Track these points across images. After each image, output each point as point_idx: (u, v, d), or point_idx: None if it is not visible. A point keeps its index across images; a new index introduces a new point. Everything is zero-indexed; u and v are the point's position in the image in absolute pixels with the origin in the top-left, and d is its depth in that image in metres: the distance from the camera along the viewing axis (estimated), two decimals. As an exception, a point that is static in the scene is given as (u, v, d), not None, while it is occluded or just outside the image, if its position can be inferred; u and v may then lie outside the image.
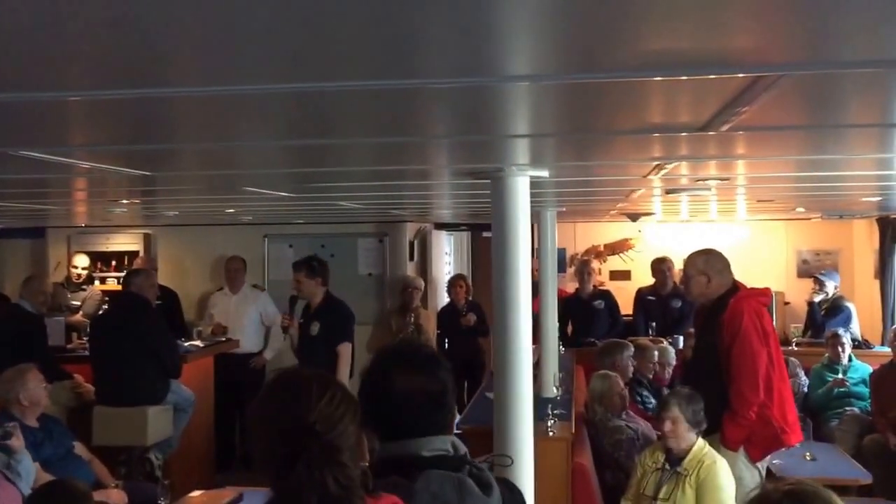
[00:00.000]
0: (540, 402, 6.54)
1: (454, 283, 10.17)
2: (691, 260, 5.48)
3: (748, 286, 5.67)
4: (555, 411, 6.08)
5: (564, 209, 7.74)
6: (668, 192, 5.56)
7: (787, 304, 11.01)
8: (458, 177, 4.30)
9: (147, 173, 3.99)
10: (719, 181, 4.86)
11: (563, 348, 8.75)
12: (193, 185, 5.02)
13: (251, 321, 9.25)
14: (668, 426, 5.00)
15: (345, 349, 6.84)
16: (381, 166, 3.98)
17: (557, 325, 8.50)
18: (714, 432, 5.13)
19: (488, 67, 1.88)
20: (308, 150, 3.48)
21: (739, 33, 1.62)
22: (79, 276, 10.01)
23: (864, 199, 7.28)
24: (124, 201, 6.05)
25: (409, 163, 3.85)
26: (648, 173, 4.13)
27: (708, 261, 5.42)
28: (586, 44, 1.70)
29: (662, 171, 3.89)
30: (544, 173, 3.79)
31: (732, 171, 4.67)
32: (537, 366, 7.32)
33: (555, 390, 6.90)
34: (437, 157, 3.72)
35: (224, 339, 8.93)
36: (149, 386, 6.94)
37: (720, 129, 2.54)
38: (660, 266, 9.85)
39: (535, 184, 4.02)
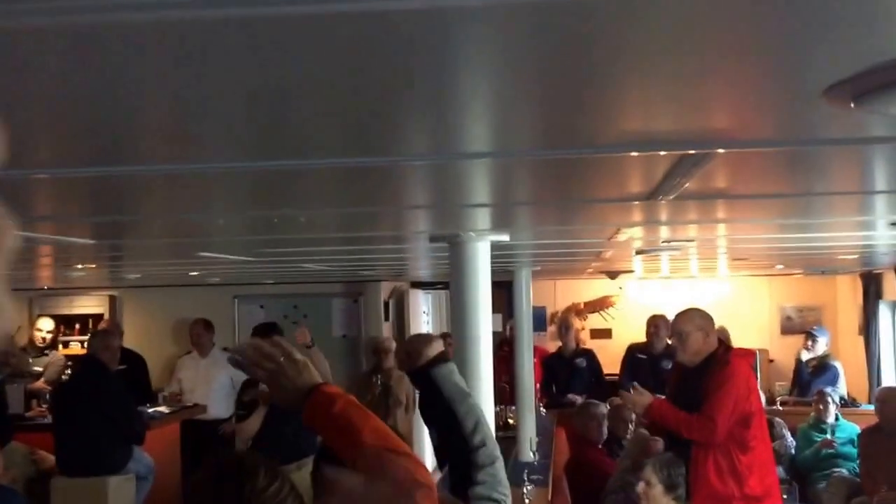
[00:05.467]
0: (517, 468, 6.56)
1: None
2: (687, 316, 5.46)
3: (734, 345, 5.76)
4: (532, 477, 6.08)
5: (539, 268, 7.81)
6: (637, 252, 5.64)
7: (771, 361, 11.05)
8: (415, 242, 4.36)
9: (98, 242, 4.04)
10: (686, 242, 4.94)
11: (543, 410, 8.76)
12: (151, 252, 5.07)
13: (221, 386, 9.16)
14: (640, 487, 5.05)
15: None
16: (337, 233, 4.05)
17: (537, 385, 8.54)
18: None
19: (452, 147, 1.96)
20: (264, 219, 3.54)
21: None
22: (43, 339, 9.96)
23: (842, 256, 7.38)
24: (79, 266, 6.09)
25: (364, 230, 3.92)
26: (612, 236, 4.21)
27: (704, 316, 5.47)
28: (545, 125, 1.78)
29: (625, 235, 3.96)
30: (505, 237, 3.84)
31: (702, 233, 4.75)
32: (514, 429, 7.36)
33: (531, 455, 6.89)
34: (393, 224, 3.78)
35: (191, 404, 8.89)
36: (108, 454, 6.84)
37: (668, 198, 2.62)
38: (651, 324, 9.79)
39: (506, 244, 4.07)
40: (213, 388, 9.09)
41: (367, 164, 2.11)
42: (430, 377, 2.58)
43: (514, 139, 1.99)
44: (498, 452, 2.61)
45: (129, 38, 1.03)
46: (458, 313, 3.80)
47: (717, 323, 9.62)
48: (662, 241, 4.86)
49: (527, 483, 5.90)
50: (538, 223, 4.02)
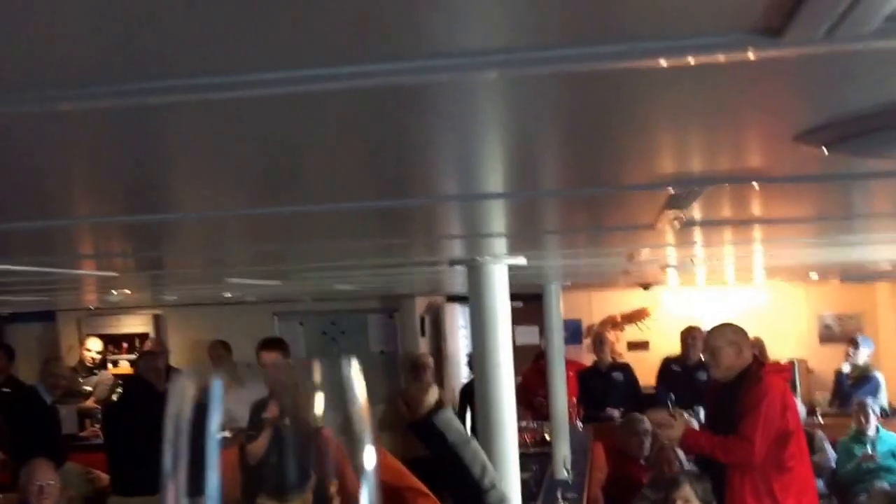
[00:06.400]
0: (551, 486, 6.55)
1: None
2: (719, 332, 5.41)
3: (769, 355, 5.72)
4: (566, 495, 6.08)
5: (570, 283, 7.81)
6: (662, 267, 5.65)
7: (810, 371, 10.92)
8: (437, 266, 4.43)
9: (124, 274, 4.17)
10: (706, 259, 4.95)
11: (580, 425, 8.74)
12: (187, 279, 5.21)
13: (254, 402, 9.21)
14: None
15: None
16: (363, 260, 4.11)
17: (573, 399, 8.54)
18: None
19: (476, 189, 2.05)
20: (292, 252, 3.62)
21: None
22: (93, 360, 10.18)
23: (881, 268, 7.32)
24: (114, 292, 6.27)
25: (388, 257, 3.98)
26: (631, 257, 4.24)
27: (737, 331, 5.40)
28: (569, 171, 1.89)
29: (641, 255, 4.00)
30: (522, 261, 3.88)
31: (726, 250, 4.76)
32: (549, 445, 7.35)
33: (565, 473, 6.86)
34: (415, 252, 3.84)
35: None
36: (159, 473, 6.93)
37: (672, 226, 2.66)
38: (686, 335, 9.79)
39: (532, 261, 4.10)
40: (245, 407, 9.13)
41: (398, 206, 2.19)
42: (434, 425, 2.60)
43: (539, 181, 2.07)
44: (506, 492, 2.63)
45: (179, 110, 1.11)
46: (477, 336, 3.83)
47: (754, 333, 9.59)
48: (684, 258, 4.87)
49: (560, 501, 5.90)
50: (556, 247, 4.05)
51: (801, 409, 8.50)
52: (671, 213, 2.44)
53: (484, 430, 3.82)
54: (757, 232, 3.48)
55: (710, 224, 2.94)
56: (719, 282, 10.45)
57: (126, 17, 0.75)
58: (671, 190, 2.06)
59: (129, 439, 6.95)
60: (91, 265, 3.91)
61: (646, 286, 9.61)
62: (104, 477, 7.35)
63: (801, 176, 1.89)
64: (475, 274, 3.79)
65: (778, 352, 9.94)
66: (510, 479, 3.83)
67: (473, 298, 3.83)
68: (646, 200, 2.35)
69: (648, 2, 0.79)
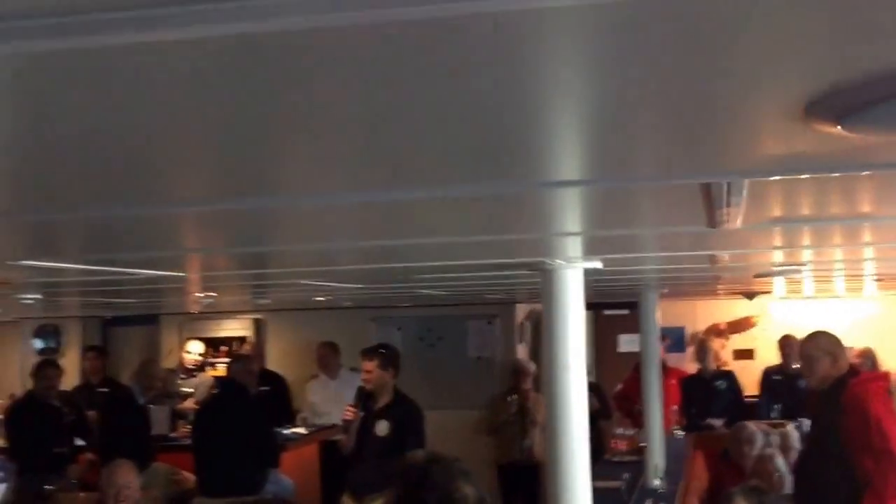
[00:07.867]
0: (642, 494, 6.51)
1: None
2: (814, 340, 5.45)
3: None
4: (658, 504, 6.03)
5: (667, 290, 7.71)
6: (756, 276, 5.56)
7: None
8: (504, 269, 4.42)
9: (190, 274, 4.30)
10: (800, 266, 4.85)
11: (681, 433, 8.65)
12: (282, 278, 5.31)
13: (355, 405, 9.35)
14: None
15: None
16: (437, 262, 4.16)
17: (674, 408, 8.45)
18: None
19: (547, 176, 1.98)
20: (374, 249, 3.67)
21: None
22: (194, 362, 10.48)
23: None
24: (212, 294, 6.45)
25: (449, 258, 4.00)
26: (715, 262, 4.19)
27: (832, 340, 5.42)
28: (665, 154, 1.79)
29: (723, 260, 3.94)
30: (597, 265, 3.86)
31: (820, 257, 4.66)
32: (641, 453, 7.29)
33: (657, 482, 6.80)
34: (478, 255, 3.86)
35: (329, 425, 9.13)
36: (246, 475, 7.09)
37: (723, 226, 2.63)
38: (783, 344, 9.68)
39: (623, 267, 4.05)
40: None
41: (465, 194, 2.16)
42: None
43: (630, 168, 1.95)
44: None
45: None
46: (549, 342, 3.84)
47: (865, 343, 9.34)
48: (776, 266, 4.78)
49: (651, 510, 5.86)
50: (635, 250, 4.02)
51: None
52: (732, 210, 2.41)
53: (553, 433, 3.84)
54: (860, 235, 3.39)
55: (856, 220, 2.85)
56: (827, 292, 10.19)
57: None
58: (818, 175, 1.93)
59: (217, 440, 7.13)
60: (193, 265, 4.01)
61: (750, 296, 9.42)
62: (190, 478, 7.52)
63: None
64: (547, 279, 3.80)
65: (891, 363, 9.65)
66: (579, 484, 3.84)
67: (546, 304, 3.85)
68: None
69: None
